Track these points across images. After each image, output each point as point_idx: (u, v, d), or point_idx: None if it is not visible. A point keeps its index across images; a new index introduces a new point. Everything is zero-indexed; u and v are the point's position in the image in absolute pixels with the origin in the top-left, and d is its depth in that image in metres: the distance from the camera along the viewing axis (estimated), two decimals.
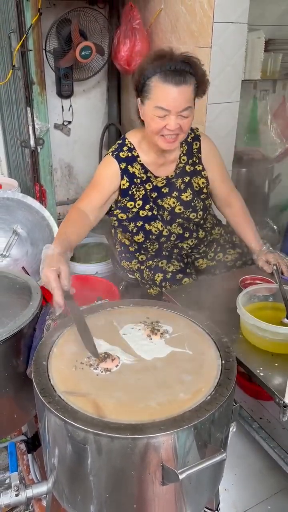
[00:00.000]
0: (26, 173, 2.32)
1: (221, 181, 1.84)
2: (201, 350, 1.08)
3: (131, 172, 1.71)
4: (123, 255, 1.92)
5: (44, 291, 1.48)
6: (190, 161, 1.78)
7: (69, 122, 2.83)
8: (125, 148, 1.72)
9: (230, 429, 1.07)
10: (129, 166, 1.70)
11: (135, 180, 1.71)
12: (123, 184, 1.71)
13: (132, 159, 1.71)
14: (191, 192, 1.77)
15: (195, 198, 1.78)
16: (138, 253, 1.86)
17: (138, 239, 1.79)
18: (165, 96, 1.50)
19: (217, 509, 1.16)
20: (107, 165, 1.72)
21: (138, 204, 1.73)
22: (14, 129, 2.36)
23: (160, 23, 2.31)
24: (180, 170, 1.76)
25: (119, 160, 1.70)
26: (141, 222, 1.75)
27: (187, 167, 1.77)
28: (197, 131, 1.80)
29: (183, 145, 1.77)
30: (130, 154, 1.71)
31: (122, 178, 1.70)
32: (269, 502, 1.46)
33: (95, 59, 2.48)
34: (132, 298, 1.35)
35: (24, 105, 2.11)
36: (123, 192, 1.72)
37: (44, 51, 2.29)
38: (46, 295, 1.63)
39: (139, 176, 1.72)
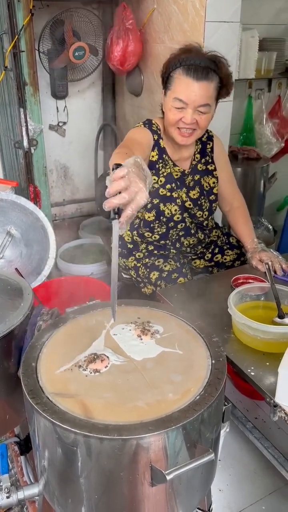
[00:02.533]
0: (20, 174, 2.31)
1: (226, 180, 1.87)
2: (191, 350, 1.07)
3: (162, 147, 1.70)
4: (120, 250, 1.92)
5: (36, 293, 1.47)
6: (203, 160, 1.80)
7: (64, 123, 2.82)
8: (153, 126, 1.71)
9: (223, 430, 1.07)
10: (160, 140, 1.70)
11: (164, 156, 1.71)
12: (152, 156, 1.70)
13: (160, 137, 1.71)
14: (198, 191, 1.78)
15: (202, 197, 1.79)
16: (135, 251, 1.86)
17: (148, 217, 1.76)
18: (185, 88, 1.53)
19: (209, 510, 1.15)
20: (142, 130, 1.67)
21: (161, 181, 1.72)
22: (8, 130, 2.35)
23: (153, 23, 2.30)
24: (193, 167, 1.79)
25: (152, 131, 1.69)
26: (157, 200, 1.73)
27: (199, 165, 1.80)
28: (211, 132, 1.83)
29: (198, 143, 1.79)
30: (158, 132, 1.71)
31: (153, 150, 1.69)
32: (264, 503, 1.45)
33: (89, 59, 2.48)
34: (126, 298, 1.35)
35: (17, 106, 2.10)
36: (151, 164, 1.71)
37: (37, 52, 2.29)
38: (38, 296, 1.62)
39: (167, 154, 1.72)
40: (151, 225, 1.80)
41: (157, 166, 1.72)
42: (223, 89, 1.60)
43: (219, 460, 1.27)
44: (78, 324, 1.18)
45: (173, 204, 1.74)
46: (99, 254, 2.61)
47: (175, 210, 1.75)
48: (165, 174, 1.72)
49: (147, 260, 1.83)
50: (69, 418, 0.86)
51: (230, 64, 1.62)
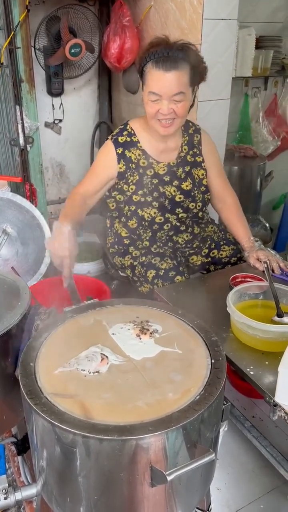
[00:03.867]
0: (16, 172, 2.29)
1: (217, 176, 1.86)
2: (190, 349, 1.07)
3: (128, 156, 1.75)
4: (116, 247, 1.91)
5: (32, 292, 1.46)
6: (191, 152, 1.80)
7: (60, 121, 2.80)
8: (125, 133, 1.76)
9: (222, 429, 1.06)
10: (126, 151, 1.74)
11: (130, 164, 1.75)
12: (120, 168, 1.75)
13: (131, 144, 1.75)
14: (191, 182, 1.79)
15: (195, 189, 1.80)
16: (132, 247, 1.85)
17: (132, 224, 1.79)
18: (156, 81, 1.56)
19: (208, 509, 1.15)
20: (105, 151, 1.78)
21: (131, 189, 1.75)
22: (3, 128, 2.33)
23: (150, 20, 2.29)
24: (181, 159, 1.79)
25: (117, 145, 1.75)
26: (134, 207, 1.77)
27: (188, 157, 1.80)
28: (198, 126, 1.85)
29: (185, 135, 1.80)
30: (129, 139, 1.75)
31: (118, 163, 1.74)
32: (262, 501, 1.45)
33: (85, 56, 2.46)
34: (124, 297, 1.34)
35: (13, 103, 2.08)
36: (120, 175, 1.76)
37: (33, 48, 2.27)
38: (36, 296, 1.61)
39: (136, 161, 1.75)
40: (137, 232, 1.81)
41: (126, 175, 1.75)
42: (196, 76, 1.61)
43: (217, 459, 1.26)
44: (76, 323, 1.18)
45: (150, 208, 1.76)
46: (95, 252, 2.60)
47: (155, 213, 1.76)
48: (134, 181, 1.75)
49: (143, 258, 1.83)
50: (68, 419, 0.85)
51: (205, 52, 1.67)
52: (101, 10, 2.57)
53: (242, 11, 2.12)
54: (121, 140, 1.75)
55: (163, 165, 1.76)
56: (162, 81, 1.54)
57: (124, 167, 1.74)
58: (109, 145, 1.76)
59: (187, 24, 2.04)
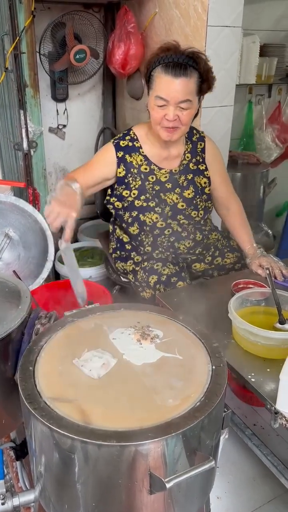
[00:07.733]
0: (19, 176, 2.30)
1: (221, 183, 1.86)
2: (191, 355, 1.06)
3: (129, 161, 1.74)
4: (118, 253, 1.91)
5: (34, 296, 1.46)
6: (194, 159, 1.80)
7: (64, 126, 2.81)
8: (127, 137, 1.76)
9: (222, 436, 1.05)
10: (127, 155, 1.74)
11: (132, 169, 1.74)
12: (120, 172, 1.74)
13: (133, 149, 1.75)
14: (193, 190, 1.78)
15: (197, 197, 1.79)
16: (134, 253, 1.85)
17: (133, 231, 1.79)
18: (165, 86, 1.55)
19: None
20: (105, 151, 1.78)
21: (134, 194, 1.74)
22: (8, 132, 2.34)
23: (155, 26, 2.30)
24: (184, 166, 1.78)
25: (118, 148, 1.74)
26: (136, 212, 1.76)
27: (191, 165, 1.79)
28: (202, 133, 1.85)
29: (188, 143, 1.79)
30: (131, 144, 1.75)
31: (118, 167, 1.74)
32: (262, 510, 1.44)
33: (90, 62, 2.47)
34: (125, 302, 1.34)
35: (17, 108, 2.09)
36: (119, 180, 1.75)
37: (38, 54, 2.29)
38: (36, 299, 1.61)
39: (137, 167, 1.74)
40: (139, 238, 1.80)
41: (126, 180, 1.74)
42: (204, 84, 1.61)
43: (218, 467, 1.25)
44: (77, 327, 1.17)
45: (152, 213, 1.75)
46: (97, 257, 2.60)
47: (156, 218, 1.75)
48: (136, 186, 1.74)
49: (145, 264, 1.82)
50: (66, 424, 0.85)
51: (209, 59, 1.63)
52: (106, 17, 2.59)
53: (246, 18, 2.13)
54: (123, 144, 1.75)
55: (165, 171, 1.76)
56: (171, 86, 1.54)
57: (125, 172, 1.74)
58: (109, 146, 1.76)
59: (191, 31, 2.05)
